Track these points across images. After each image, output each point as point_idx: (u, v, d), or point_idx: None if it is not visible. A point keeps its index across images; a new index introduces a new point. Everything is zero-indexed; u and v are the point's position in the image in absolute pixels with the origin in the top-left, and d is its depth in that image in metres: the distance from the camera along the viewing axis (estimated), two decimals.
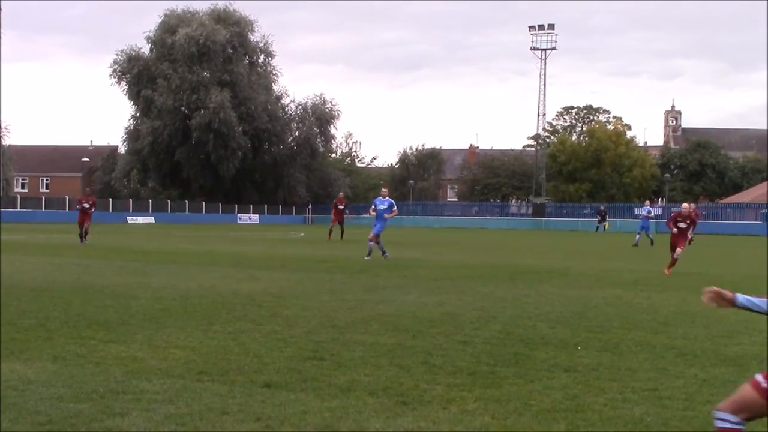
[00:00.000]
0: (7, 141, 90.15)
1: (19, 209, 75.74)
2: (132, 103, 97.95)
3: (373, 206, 27.98)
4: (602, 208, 75.96)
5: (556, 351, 10.34)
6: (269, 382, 8.13)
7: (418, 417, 7.01)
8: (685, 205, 24.81)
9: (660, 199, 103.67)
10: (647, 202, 53.13)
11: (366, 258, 26.21)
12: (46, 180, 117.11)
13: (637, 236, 44.19)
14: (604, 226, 70.79)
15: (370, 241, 27.03)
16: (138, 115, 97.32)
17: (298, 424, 6.71)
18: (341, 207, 43.59)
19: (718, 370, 9.38)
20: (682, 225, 23.66)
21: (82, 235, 32.03)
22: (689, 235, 24.50)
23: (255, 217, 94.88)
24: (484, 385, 8.27)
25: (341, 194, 48.83)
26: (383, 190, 28.95)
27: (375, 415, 7.04)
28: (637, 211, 76.52)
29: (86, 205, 32.68)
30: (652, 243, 42.37)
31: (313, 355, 9.68)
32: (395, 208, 27.74)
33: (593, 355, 10.12)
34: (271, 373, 8.56)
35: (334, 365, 9.12)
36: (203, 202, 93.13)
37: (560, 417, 7.11)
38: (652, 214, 47.10)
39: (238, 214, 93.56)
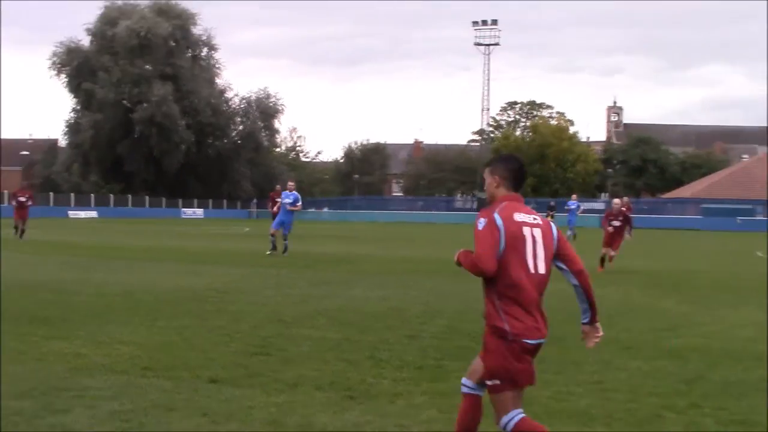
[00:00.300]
0: None
1: None
2: (72, 96, 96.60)
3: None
4: (552, 203, 76.37)
5: None
6: (215, 378, 8.08)
7: (365, 411, 7.01)
8: (616, 200, 23.82)
9: (603, 194, 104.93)
10: (573, 196, 52.74)
11: (268, 253, 25.73)
12: None
13: (569, 231, 42.78)
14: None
15: (272, 234, 26.55)
16: (79, 108, 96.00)
17: (244, 419, 6.67)
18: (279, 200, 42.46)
19: (661, 363, 9.51)
20: (617, 223, 22.56)
21: (19, 230, 30.66)
22: (626, 234, 22.91)
23: (199, 212, 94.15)
24: (431, 379, 8.29)
25: (278, 187, 47.16)
26: (290, 183, 27.99)
27: (322, 409, 7.03)
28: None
29: (22, 199, 31.32)
30: (574, 237, 40.89)
31: (260, 350, 9.63)
32: (299, 202, 27.08)
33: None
34: (217, 369, 8.50)
35: (280, 360, 9.08)
36: (146, 197, 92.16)
37: None
38: (581, 209, 46.55)
39: (182, 209, 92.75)
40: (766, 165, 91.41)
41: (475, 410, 5.89)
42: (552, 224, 5.63)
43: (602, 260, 22.21)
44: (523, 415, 5.45)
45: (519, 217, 5.40)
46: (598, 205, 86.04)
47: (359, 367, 8.79)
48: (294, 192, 26.79)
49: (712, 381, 8.57)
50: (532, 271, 5.47)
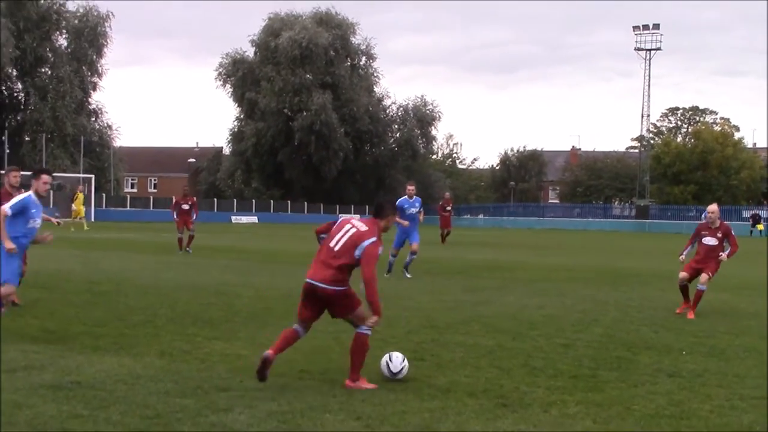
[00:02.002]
0: (118, 143, 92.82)
1: (128, 208, 77.95)
2: (236, 105, 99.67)
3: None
4: (755, 211, 73.34)
5: (660, 356, 10.16)
6: (370, 382, 8.18)
7: (518, 419, 6.98)
8: (712, 207, 14.95)
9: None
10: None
11: (387, 275, 19.85)
12: (154, 180, 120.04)
13: None
14: (759, 230, 66.98)
15: (393, 255, 20.70)
16: (242, 116, 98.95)
17: (397, 423, 6.75)
18: (449, 209, 41.14)
19: None
20: (711, 240, 14.61)
21: (183, 243, 27.91)
22: (722, 255, 14.58)
23: (356, 218, 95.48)
24: (586, 389, 8.18)
25: (447, 194, 45.16)
26: (409, 187, 21.76)
27: (475, 416, 7.03)
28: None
29: (185, 206, 28.56)
30: None
31: (413, 355, 9.70)
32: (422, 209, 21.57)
33: (698, 361, 9.91)
34: (371, 373, 8.61)
35: (434, 366, 9.14)
36: (305, 203, 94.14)
37: (664, 423, 6.99)
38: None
39: (339, 215, 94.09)
40: None
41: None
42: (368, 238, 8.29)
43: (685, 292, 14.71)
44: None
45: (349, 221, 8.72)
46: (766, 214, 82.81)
47: (512, 375, 8.76)
48: (417, 197, 21.53)
49: None
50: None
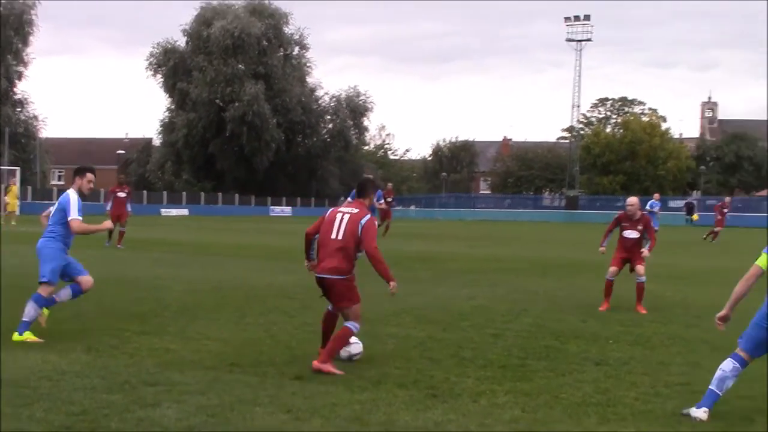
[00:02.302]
0: (44, 133, 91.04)
1: (55, 201, 76.11)
2: (167, 95, 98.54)
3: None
4: (690, 200, 73.54)
5: (587, 344, 10.31)
6: (300, 375, 8.18)
7: (448, 410, 7.02)
8: (632, 200, 14.54)
9: (695, 192, 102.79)
10: (656, 195, 44.63)
11: None
12: None
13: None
14: (692, 219, 65.91)
15: None
16: (173, 107, 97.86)
17: (328, 416, 6.74)
18: (389, 200, 38.60)
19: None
20: (632, 233, 14.31)
21: (113, 235, 26.98)
22: (645, 251, 14.31)
23: (288, 210, 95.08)
24: (515, 378, 8.27)
25: (389, 185, 41.71)
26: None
27: (405, 407, 7.06)
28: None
29: (122, 195, 27.66)
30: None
31: None
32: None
33: (625, 349, 10.08)
34: (303, 366, 8.61)
35: (364, 358, 9.15)
36: (236, 195, 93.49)
37: (591, 410, 7.09)
38: (657, 210, 41.10)
39: (271, 206, 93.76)
40: None
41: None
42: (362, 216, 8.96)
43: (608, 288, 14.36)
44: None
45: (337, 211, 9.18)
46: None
47: (443, 366, 8.82)
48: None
49: None
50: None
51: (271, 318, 11.89)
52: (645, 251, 14.37)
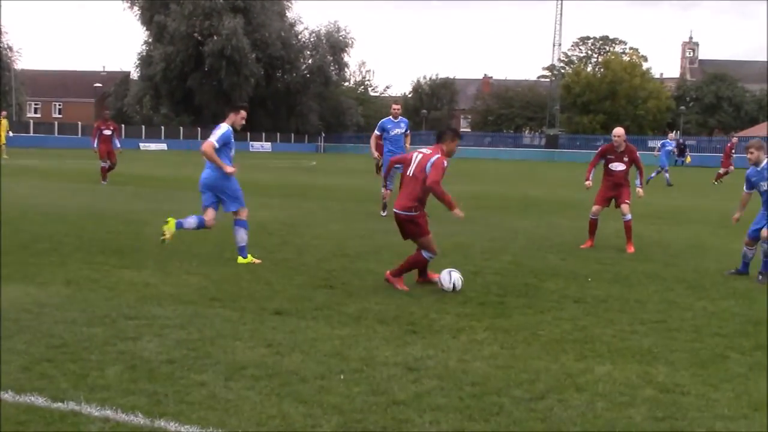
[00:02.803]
0: (19, 65, 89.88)
1: (32, 134, 75.79)
2: (145, 28, 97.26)
3: (379, 131, 18.64)
4: (681, 141, 72.84)
5: (566, 282, 10.38)
6: (280, 310, 8.21)
7: (427, 345, 7.07)
8: (618, 131, 14.13)
9: (675, 132, 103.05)
10: (670, 135, 44.03)
11: (383, 213, 17.87)
12: (59, 105, 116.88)
13: (666, 174, 36.91)
14: (684, 161, 64.08)
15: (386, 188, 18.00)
16: (151, 40, 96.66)
17: (308, 350, 6.78)
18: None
19: (727, 303, 9.41)
20: (618, 165, 14.04)
21: (106, 171, 26.45)
22: (639, 191, 14.82)
23: (267, 145, 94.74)
24: (494, 315, 8.32)
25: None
26: (395, 106, 18.97)
27: (385, 343, 7.11)
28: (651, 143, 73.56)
29: (107, 132, 26.87)
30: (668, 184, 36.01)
31: (324, 283, 9.76)
32: (409, 131, 18.79)
33: (603, 287, 10.15)
34: (282, 301, 8.64)
35: (344, 294, 9.19)
36: None
37: (569, 347, 7.16)
38: (672, 148, 39.00)
39: (251, 142, 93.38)
40: None
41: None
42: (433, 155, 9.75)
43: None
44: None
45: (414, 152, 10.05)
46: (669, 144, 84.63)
47: (422, 302, 8.86)
48: (402, 117, 18.79)
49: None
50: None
51: (250, 253, 11.88)
52: (640, 191, 14.36)
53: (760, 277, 11.01)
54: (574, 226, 16.87)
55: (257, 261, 11.20)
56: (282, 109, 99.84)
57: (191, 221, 11.26)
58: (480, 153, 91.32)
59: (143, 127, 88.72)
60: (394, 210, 9.81)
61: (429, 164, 9.62)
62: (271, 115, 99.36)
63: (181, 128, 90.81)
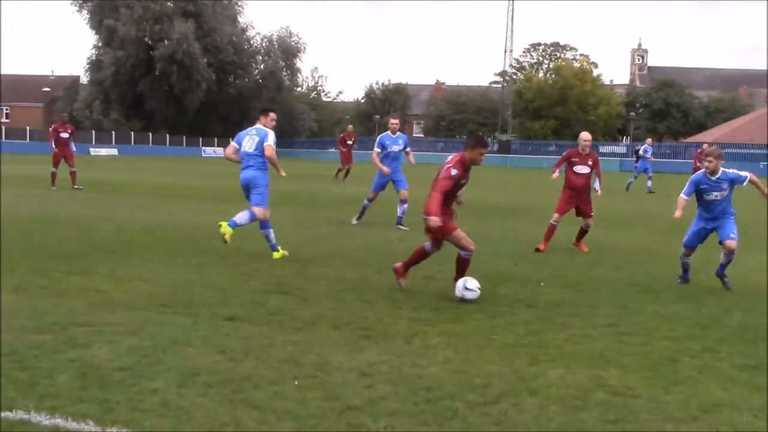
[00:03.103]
0: None
1: None
2: (94, 32, 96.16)
3: (379, 147, 17.76)
4: (638, 147, 73.27)
5: (519, 287, 10.44)
6: (233, 316, 8.16)
7: (381, 351, 7.07)
8: (586, 135, 14.99)
9: (624, 138, 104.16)
10: (648, 140, 42.17)
11: (354, 221, 17.99)
12: (6, 110, 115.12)
13: (648, 182, 36.91)
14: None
15: (369, 199, 18.12)
16: (100, 45, 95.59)
17: (261, 356, 6.74)
18: (350, 143, 37.42)
19: (677, 307, 9.52)
20: (583, 168, 14.62)
21: (56, 179, 26.02)
22: (598, 191, 15.05)
23: (219, 151, 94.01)
24: (447, 320, 8.35)
25: (350, 127, 40.06)
26: (392, 121, 18.35)
27: (338, 348, 7.09)
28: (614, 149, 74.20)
29: (65, 135, 26.37)
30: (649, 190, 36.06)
31: (277, 288, 9.72)
32: (409, 148, 18.37)
33: (555, 292, 10.23)
34: (235, 307, 8.59)
35: (298, 299, 9.16)
36: (167, 135, 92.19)
37: (522, 352, 7.20)
38: (649, 155, 38.08)
39: (203, 147, 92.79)
40: None
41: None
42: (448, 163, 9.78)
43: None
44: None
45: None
46: (620, 149, 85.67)
47: (376, 308, 8.86)
48: (401, 134, 18.19)
49: (727, 325, 8.59)
50: None
51: (203, 259, 11.81)
52: (599, 191, 14.82)
53: (725, 279, 11.05)
54: (527, 231, 16.98)
55: (285, 254, 12.34)
56: (234, 114, 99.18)
57: (245, 217, 12.26)
58: (433, 158, 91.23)
59: (93, 132, 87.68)
60: (423, 215, 9.61)
61: (440, 171, 9.72)
62: (223, 121, 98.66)
63: (132, 133, 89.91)
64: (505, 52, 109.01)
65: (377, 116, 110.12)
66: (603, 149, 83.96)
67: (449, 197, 9.79)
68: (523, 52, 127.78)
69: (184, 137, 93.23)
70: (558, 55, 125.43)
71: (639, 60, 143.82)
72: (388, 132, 18.02)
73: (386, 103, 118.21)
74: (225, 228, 11.91)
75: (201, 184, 31.98)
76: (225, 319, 8.03)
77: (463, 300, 9.26)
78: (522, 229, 17.42)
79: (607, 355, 7.19)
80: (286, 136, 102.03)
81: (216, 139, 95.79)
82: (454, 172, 9.63)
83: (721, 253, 11.01)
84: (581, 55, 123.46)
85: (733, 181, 10.94)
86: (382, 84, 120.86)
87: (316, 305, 8.84)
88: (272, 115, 12.76)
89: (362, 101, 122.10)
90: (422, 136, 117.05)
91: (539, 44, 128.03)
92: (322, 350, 7.00)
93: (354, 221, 17.73)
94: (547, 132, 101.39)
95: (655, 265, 12.88)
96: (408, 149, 18.14)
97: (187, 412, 5.37)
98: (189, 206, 20.71)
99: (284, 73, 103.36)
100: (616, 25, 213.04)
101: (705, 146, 44.20)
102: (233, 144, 13.04)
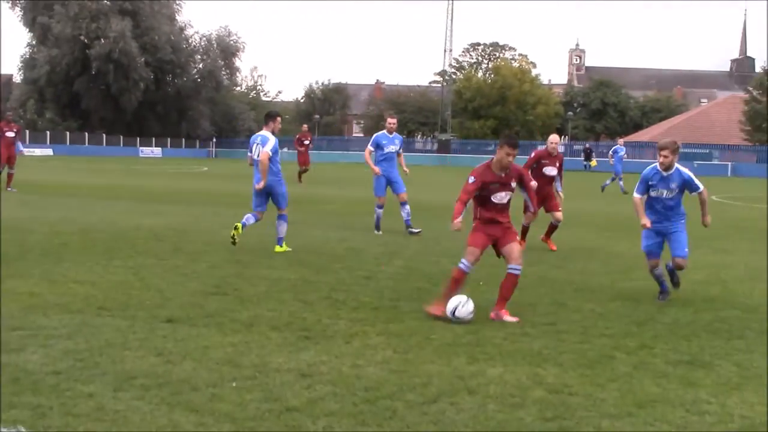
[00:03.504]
0: None
1: None
2: (28, 30, 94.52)
3: (373, 146, 17.00)
4: (587, 145, 73.57)
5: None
6: (171, 317, 8.07)
7: (320, 351, 7.05)
8: (555, 138, 15.64)
9: (563, 137, 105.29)
10: (620, 140, 40.82)
11: (376, 232, 16.63)
12: None
13: (620, 182, 35.96)
14: (590, 165, 62.24)
15: (379, 206, 16.91)
16: (34, 43, 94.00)
17: (200, 358, 6.68)
18: (306, 143, 37.17)
19: (614, 305, 9.64)
20: (552, 170, 15.21)
21: (3, 178, 25.03)
22: (560, 193, 15.61)
23: (158, 151, 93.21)
24: (387, 320, 8.35)
25: (305, 127, 39.27)
26: (390, 120, 17.24)
27: (278, 349, 7.06)
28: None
29: (10, 134, 25.44)
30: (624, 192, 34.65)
31: (217, 290, 9.64)
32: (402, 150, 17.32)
33: (495, 290, 10.23)
34: (174, 308, 8.50)
35: (237, 300, 9.09)
36: (104, 135, 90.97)
37: (461, 351, 7.23)
38: (622, 154, 37.43)
39: (140, 147, 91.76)
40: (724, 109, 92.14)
41: None
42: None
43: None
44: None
45: None
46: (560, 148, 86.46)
47: (316, 308, 8.83)
48: (397, 134, 17.18)
49: (662, 322, 8.71)
50: None
51: (140, 261, 11.68)
52: (561, 193, 15.40)
53: (661, 296, 10.08)
54: (465, 231, 17.04)
55: (289, 249, 13.30)
56: (173, 114, 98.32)
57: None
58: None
59: (27, 131, 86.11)
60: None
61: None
62: (161, 120, 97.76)
63: (68, 133, 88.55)
64: (445, 51, 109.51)
65: (317, 116, 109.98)
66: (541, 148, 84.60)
67: (485, 204, 9.16)
68: (463, 51, 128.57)
69: (122, 137, 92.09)
70: (497, 55, 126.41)
71: (577, 60, 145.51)
72: (384, 131, 17.00)
73: (326, 103, 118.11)
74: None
75: (139, 184, 31.61)
76: (163, 321, 7.95)
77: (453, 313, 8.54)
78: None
79: (545, 353, 7.25)
80: (225, 136, 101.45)
81: (154, 139, 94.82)
82: (471, 179, 9.08)
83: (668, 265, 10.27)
84: (520, 54, 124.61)
85: (686, 185, 9.93)
86: (322, 83, 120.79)
87: (256, 306, 8.79)
88: (278, 119, 13.66)
89: (302, 101, 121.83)
90: (362, 135, 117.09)
91: (478, 44, 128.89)
92: (261, 351, 6.97)
93: (377, 232, 16.54)
94: (487, 131, 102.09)
95: (592, 264, 13.03)
96: (401, 151, 17.16)
97: (123, 416, 5.30)
98: (126, 207, 20.46)
99: (223, 73, 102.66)
100: (555, 26, 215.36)
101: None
102: (250, 155, 13.79)
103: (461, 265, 9.04)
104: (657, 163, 9.98)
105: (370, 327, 8.01)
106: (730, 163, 78.94)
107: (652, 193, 10.07)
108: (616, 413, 5.71)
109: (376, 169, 16.74)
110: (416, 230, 16.50)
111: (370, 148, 16.98)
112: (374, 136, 17.16)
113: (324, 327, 7.95)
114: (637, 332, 8.19)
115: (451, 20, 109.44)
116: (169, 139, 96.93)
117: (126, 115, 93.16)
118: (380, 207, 16.78)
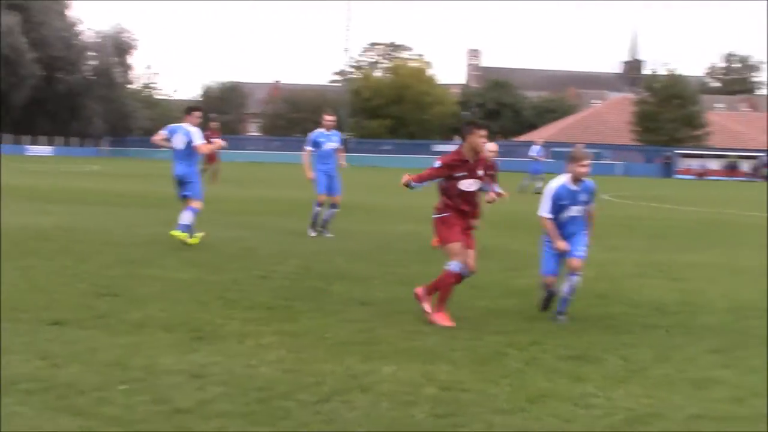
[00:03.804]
0: None
1: None
2: None
3: (311, 144, 16.65)
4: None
5: (353, 285, 10.49)
6: (58, 320, 7.86)
7: (213, 351, 6.96)
8: (493, 146, 15.04)
9: (457, 137, 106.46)
10: (538, 141, 41.14)
11: (311, 233, 16.20)
12: None
13: (539, 184, 34.91)
14: None
15: (320, 204, 16.43)
16: None
17: (87, 361, 6.52)
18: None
19: (507, 302, 9.78)
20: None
21: None
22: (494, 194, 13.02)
23: (48, 149, 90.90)
24: (281, 320, 8.30)
25: (213, 124, 34.43)
26: (327, 117, 17.02)
27: (168, 350, 6.94)
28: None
29: None
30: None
31: (107, 291, 9.43)
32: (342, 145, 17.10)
33: (389, 289, 10.32)
34: (61, 310, 8.28)
35: (127, 301, 8.91)
36: None
37: (355, 349, 7.22)
38: (540, 156, 37.50)
39: (30, 146, 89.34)
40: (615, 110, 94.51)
41: None
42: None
43: None
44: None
45: None
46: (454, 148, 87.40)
47: (209, 308, 8.72)
48: (336, 131, 17.04)
49: (553, 319, 8.85)
50: None
51: (27, 262, 11.34)
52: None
53: (560, 316, 8.92)
54: (363, 229, 17.10)
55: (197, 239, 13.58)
56: (64, 111, 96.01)
57: (188, 216, 13.49)
58: (269, 157, 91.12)
59: None
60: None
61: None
62: (52, 118, 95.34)
63: None
64: (344, 51, 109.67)
65: (213, 114, 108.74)
66: (438, 148, 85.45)
67: (452, 192, 8.78)
68: (362, 51, 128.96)
69: (12, 135, 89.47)
70: (395, 54, 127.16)
71: (473, 60, 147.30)
72: (322, 129, 16.63)
73: (222, 101, 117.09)
74: (180, 235, 13.17)
75: (26, 183, 30.75)
76: (49, 323, 7.73)
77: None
78: (356, 228, 17.52)
79: (438, 351, 7.30)
80: (118, 135, 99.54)
81: (45, 138, 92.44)
82: (437, 164, 8.83)
83: (565, 279, 9.15)
84: (417, 54, 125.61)
85: (592, 193, 9.32)
86: (219, 82, 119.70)
87: (147, 307, 8.63)
88: (196, 113, 14.13)
89: (199, 99, 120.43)
90: (259, 134, 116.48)
91: (377, 44, 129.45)
92: (151, 353, 6.84)
93: (310, 232, 16.07)
94: (383, 131, 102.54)
95: (486, 261, 13.14)
96: (341, 147, 16.79)
97: (6, 421, 5.13)
98: (14, 207, 19.85)
99: (117, 70, 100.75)
100: (453, 26, 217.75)
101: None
102: (163, 132, 14.14)
103: (452, 267, 8.66)
104: (565, 179, 9.00)
105: (264, 326, 7.94)
106: (621, 163, 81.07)
107: (565, 213, 9.11)
108: (508, 408, 5.77)
109: (310, 173, 16.34)
110: (329, 234, 15.97)
111: (308, 148, 16.44)
112: (310, 135, 16.73)
113: (217, 327, 7.85)
114: (529, 329, 8.31)
115: (350, 20, 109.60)
116: (60, 138, 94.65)
117: (15, 112, 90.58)
118: (319, 205, 16.24)
